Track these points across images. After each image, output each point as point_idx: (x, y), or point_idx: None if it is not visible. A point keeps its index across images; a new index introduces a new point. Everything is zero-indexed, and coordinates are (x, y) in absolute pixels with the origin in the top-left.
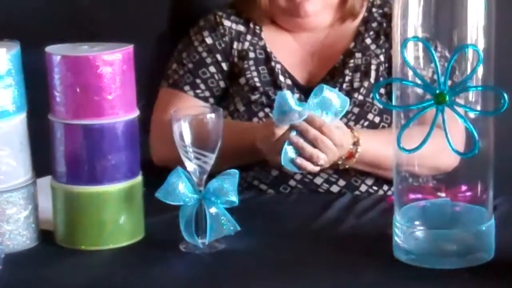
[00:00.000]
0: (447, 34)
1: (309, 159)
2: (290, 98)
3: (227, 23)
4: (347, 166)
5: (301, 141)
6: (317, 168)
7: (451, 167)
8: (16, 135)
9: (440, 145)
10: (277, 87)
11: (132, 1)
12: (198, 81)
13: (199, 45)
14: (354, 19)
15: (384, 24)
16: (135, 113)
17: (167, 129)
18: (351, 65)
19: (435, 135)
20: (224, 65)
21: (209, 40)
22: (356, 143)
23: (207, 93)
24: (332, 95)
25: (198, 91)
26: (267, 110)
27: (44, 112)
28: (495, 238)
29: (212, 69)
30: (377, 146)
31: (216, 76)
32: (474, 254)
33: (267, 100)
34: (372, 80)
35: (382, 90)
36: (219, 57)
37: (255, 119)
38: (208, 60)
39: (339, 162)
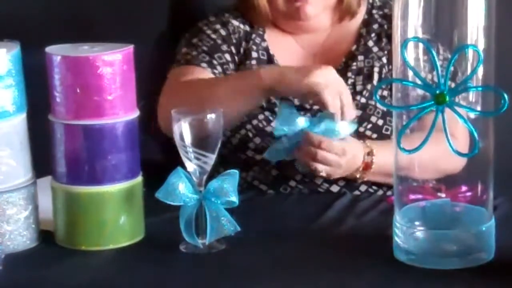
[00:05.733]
0: (447, 34)
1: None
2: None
3: (235, 22)
4: (365, 178)
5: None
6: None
7: (457, 170)
8: (16, 135)
9: (447, 149)
10: None
11: (132, 1)
12: (214, 62)
13: (212, 33)
14: (351, 18)
15: (385, 26)
16: (135, 113)
17: (179, 99)
18: (353, 68)
19: (441, 140)
20: (236, 58)
21: (223, 32)
22: (370, 153)
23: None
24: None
25: (215, 71)
26: (266, 113)
27: (44, 112)
28: (495, 239)
29: (227, 56)
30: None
31: (230, 65)
32: (474, 254)
33: (267, 104)
34: (375, 82)
35: (386, 93)
36: (233, 49)
37: (255, 121)
38: (224, 48)
39: (357, 175)
